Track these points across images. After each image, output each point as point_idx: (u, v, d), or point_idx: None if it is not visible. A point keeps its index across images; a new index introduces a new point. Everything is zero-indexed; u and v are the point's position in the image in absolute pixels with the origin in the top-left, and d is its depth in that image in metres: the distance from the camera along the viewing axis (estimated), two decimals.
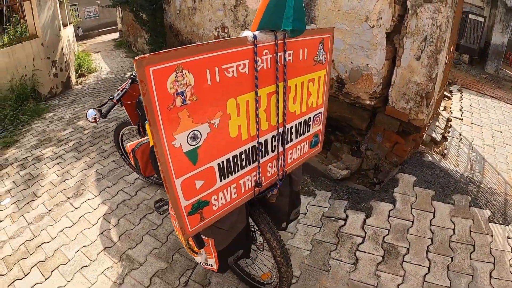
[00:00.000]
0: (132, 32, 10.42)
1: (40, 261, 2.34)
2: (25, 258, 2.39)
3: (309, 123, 1.44)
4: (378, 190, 2.65)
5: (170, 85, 0.86)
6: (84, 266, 2.26)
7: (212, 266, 1.39)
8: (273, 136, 1.27)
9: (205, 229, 1.20)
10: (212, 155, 1.07)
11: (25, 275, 2.24)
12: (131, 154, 1.76)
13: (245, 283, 1.94)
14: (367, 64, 2.76)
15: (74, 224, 2.70)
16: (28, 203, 3.05)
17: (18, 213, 2.92)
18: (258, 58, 1.05)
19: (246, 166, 1.21)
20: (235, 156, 1.15)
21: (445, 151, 2.99)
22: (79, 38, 15.79)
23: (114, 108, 2.33)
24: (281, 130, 1.27)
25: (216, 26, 4.77)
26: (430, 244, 2.09)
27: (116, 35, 15.24)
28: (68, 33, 9.03)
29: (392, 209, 2.37)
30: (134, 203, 2.84)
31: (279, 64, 1.13)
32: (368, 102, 2.89)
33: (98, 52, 12.26)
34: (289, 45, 1.14)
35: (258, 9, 1.02)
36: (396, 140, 2.81)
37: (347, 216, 2.40)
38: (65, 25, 8.70)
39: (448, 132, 3.32)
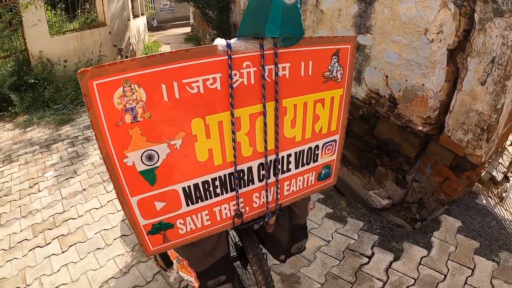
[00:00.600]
0: (202, 28, 10.73)
1: (62, 235, 2.50)
2: (51, 229, 2.57)
3: (317, 152, 1.19)
4: (413, 231, 2.31)
5: (118, 100, 0.78)
6: (98, 248, 2.35)
7: (193, 283, 1.30)
8: (261, 164, 1.08)
9: (179, 248, 1.10)
10: (175, 178, 0.95)
11: (46, 244, 2.41)
12: None
13: None
14: (423, 84, 2.42)
15: (101, 206, 2.84)
16: (67, 179, 3.29)
17: (56, 186, 3.16)
18: (234, 71, 0.88)
19: (222, 194, 1.06)
20: (205, 182, 1.00)
21: (504, 194, 2.51)
22: (153, 29, 16.97)
23: None
24: (271, 158, 1.08)
25: None
26: None
27: (188, 29, 15.99)
28: (138, 23, 9.72)
29: (425, 256, 2.03)
30: None
31: (267, 79, 0.93)
32: (420, 128, 2.54)
33: (168, 44, 12.94)
34: (283, 56, 0.93)
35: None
36: (447, 175, 2.41)
37: (373, 253, 2.13)
38: (136, 16, 9.37)
39: None
